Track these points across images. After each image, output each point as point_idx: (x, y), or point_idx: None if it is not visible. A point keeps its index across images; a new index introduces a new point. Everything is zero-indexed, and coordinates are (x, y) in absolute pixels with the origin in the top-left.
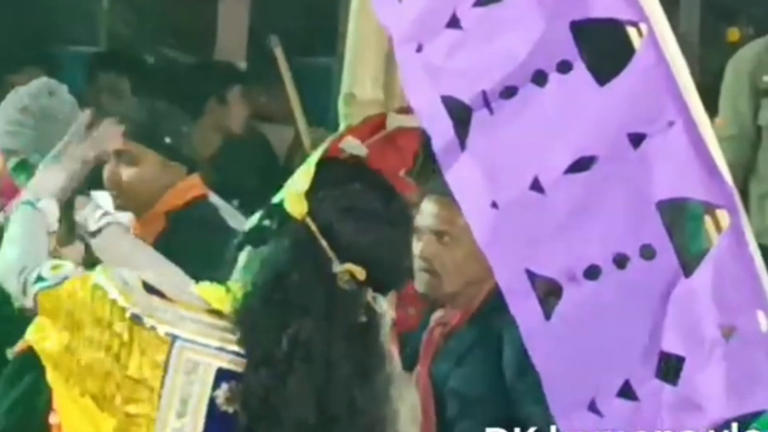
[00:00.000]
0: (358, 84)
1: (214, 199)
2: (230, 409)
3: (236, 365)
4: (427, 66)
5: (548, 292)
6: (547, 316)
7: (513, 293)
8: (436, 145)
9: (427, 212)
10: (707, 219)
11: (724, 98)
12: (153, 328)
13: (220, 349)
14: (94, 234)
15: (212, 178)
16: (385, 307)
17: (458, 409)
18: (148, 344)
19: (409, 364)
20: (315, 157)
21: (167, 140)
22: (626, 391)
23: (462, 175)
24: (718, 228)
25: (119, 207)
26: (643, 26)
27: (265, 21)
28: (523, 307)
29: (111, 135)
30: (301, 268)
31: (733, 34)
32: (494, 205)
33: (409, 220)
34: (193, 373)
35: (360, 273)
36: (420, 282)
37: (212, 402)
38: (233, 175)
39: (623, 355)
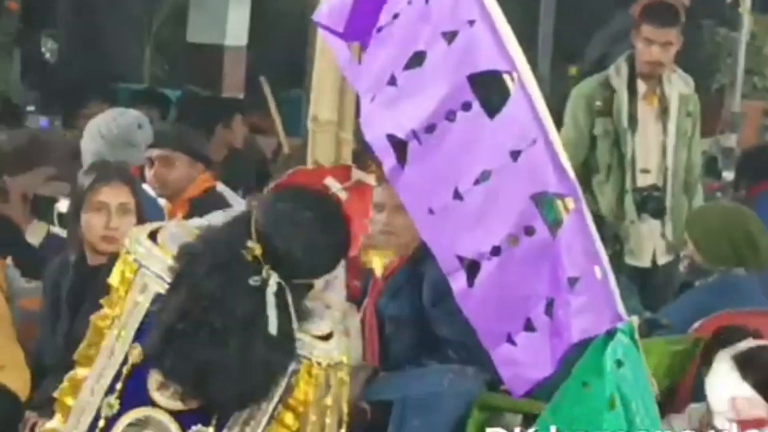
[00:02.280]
0: (320, 109)
1: (221, 187)
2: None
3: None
4: (376, 111)
5: (471, 266)
6: (471, 284)
7: (449, 271)
8: (386, 168)
9: (387, 193)
10: (559, 203)
11: (568, 116)
12: (133, 257)
13: (161, 278)
14: None
15: (222, 174)
16: (273, 279)
17: (393, 329)
18: (127, 266)
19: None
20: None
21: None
22: (529, 326)
23: (405, 190)
24: (567, 210)
25: (159, 196)
26: (514, 74)
27: (256, 66)
28: (456, 279)
29: None
30: (228, 237)
31: (573, 70)
32: (431, 211)
33: (338, 245)
34: (143, 292)
35: (258, 249)
36: (381, 240)
37: (147, 315)
38: (237, 172)
39: (523, 302)
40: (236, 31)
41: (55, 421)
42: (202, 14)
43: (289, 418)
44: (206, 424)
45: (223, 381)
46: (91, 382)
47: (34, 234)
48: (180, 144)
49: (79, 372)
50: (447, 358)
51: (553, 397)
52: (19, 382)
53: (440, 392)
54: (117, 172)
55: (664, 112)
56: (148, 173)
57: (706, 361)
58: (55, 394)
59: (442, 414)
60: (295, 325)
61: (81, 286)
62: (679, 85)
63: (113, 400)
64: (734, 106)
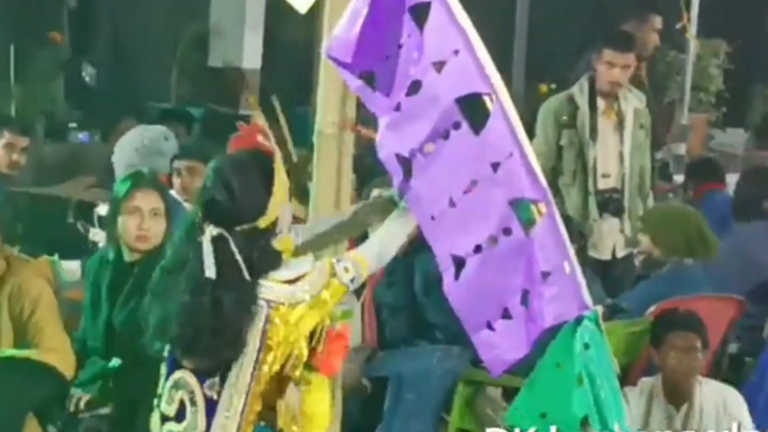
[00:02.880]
0: (324, 124)
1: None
2: None
3: None
4: (385, 134)
5: (458, 263)
6: (457, 278)
7: (444, 268)
8: (395, 182)
9: None
10: (533, 207)
11: (538, 128)
12: None
13: None
14: None
15: None
16: (209, 230)
17: (389, 314)
18: None
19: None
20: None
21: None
22: (506, 314)
23: (413, 201)
24: (540, 213)
25: (185, 201)
26: (493, 96)
27: (269, 86)
28: (447, 274)
29: None
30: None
31: (543, 88)
32: (432, 217)
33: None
34: None
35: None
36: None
37: None
38: None
39: (502, 293)
40: (251, 56)
41: None
42: (221, 41)
43: (271, 357)
44: (214, 376)
45: (196, 335)
46: None
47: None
48: (203, 155)
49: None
50: (436, 340)
51: (530, 375)
52: (66, 364)
53: (430, 369)
54: (149, 181)
55: (620, 124)
56: (176, 181)
57: (654, 342)
58: None
59: (432, 388)
60: (242, 266)
61: (118, 280)
62: (633, 102)
63: (163, 368)
64: (683, 118)
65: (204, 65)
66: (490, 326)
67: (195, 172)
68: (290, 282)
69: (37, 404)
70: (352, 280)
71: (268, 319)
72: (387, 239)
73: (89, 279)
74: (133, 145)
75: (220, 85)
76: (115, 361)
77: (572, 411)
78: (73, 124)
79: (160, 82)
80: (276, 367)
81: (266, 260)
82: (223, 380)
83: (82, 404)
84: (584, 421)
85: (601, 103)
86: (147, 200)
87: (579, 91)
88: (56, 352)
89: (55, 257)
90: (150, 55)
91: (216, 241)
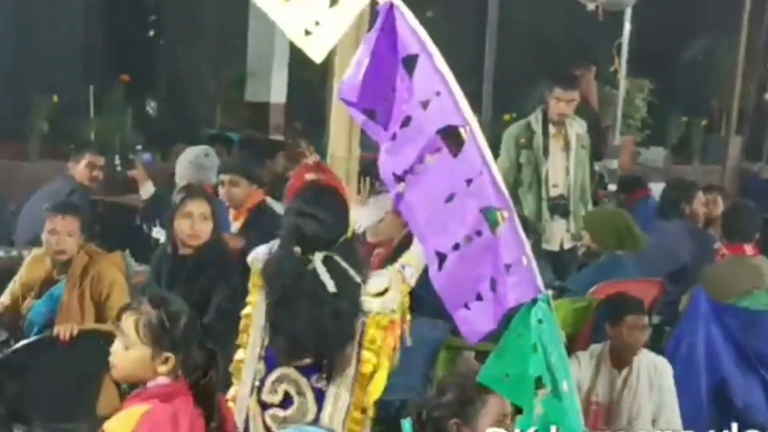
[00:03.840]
0: (335, 148)
1: (269, 200)
2: None
3: None
4: (385, 158)
5: (441, 257)
6: (440, 268)
7: (429, 260)
8: (392, 195)
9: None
10: (498, 214)
11: (502, 150)
12: (253, 268)
13: None
14: None
15: (270, 192)
16: (317, 256)
17: None
18: (254, 275)
19: None
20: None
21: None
22: (479, 297)
23: (406, 209)
24: (503, 218)
25: (229, 207)
26: (467, 127)
27: (293, 116)
28: (432, 265)
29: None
30: (284, 251)
31: (506, 117)
32: (420, 222)
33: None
34: (260, 294)
35: (299, 249)
36: (373, 235)
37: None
38: (280, 189)
39: (476, 281)
40: (278, 92)
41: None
42: (254, 81)
43: (368, 356)
44: (320, 371)
45: (312, 339)
46: (247, 356)
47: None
48: (241, 171)
49: (239, 353)
50: (426, 314)
51: (498, 344)
52: None
53: (421, 337)
54: (198, 191)
55: (567, 146)
56: (221, 191)
57: (611, 321)
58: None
59: (422, 351)
60: (354, 275)
61: (175, 269)
62: (576, 128)
63: (261, 365)
64: (615, 140)
65: (241, 100)
66: (466, 306)
67: (235, 183)
68: (380, 294)
69: None
70: (413, 278)
71: (365, 324)
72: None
73: (152, 268)
74: (186, 159)
75: (254, 116)
76: None
77: (529, 373)
78: (139, 147)
79: (207, 113)
80: (372, 365)
81: (362, 263)
82: (328, 376)
83: None
84: (538, 380)
85: (551, 129)
86: (197, 207)
87: (535, 119)
88: None
89: (127, 252)
90: (199, 91)
91: (328, 262)
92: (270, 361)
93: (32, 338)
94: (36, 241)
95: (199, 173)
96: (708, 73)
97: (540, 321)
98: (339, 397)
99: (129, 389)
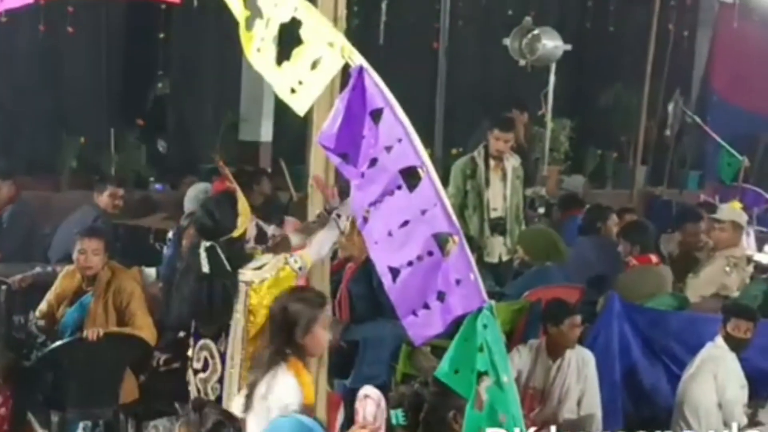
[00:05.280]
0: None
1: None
2: None
3: None
4: (355, 194)
5: (395, 271)
6: (394, 281)
7: (384, 274)
8: (358, 223)
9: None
10: (449, 238)
11: (451, 179)
12: None
13: None
14: None
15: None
16: (203, 243)
17: (357, 300)
18: None
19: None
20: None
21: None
22: (426, 306)
23: (367, 233)
24: (454, 242)
25: None
26: (423, 167)
27: (278, 151)
28: (386, 278)
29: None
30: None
31: (454, 152)
32: (375, 242)
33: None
34: None
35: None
36: (342, 251)
37: None
38: (267, 211)
39: (424, 293)
40: (266, 132)
41: None
42: (246, 124)
43: (253, 319)
44: (221, 336)
45: (192, 306)
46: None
47: None
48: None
49: None
50: (388, 316)
51: (450, 345)
52: (150, 336)
53: (384, 335)
54: None
55: (504, 176)
56: None
57: (552, 322)
58: None
59: (385, 348)
60: (225, 263)
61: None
62: (512, 162)
63: (190, 340)
64: (544, 170)
65: (236, 139)
66: (414, 313)
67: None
68: (258, 269)
69: (132, 361)
70: (300, 268)
71: (246, 294)
72: (321, 242)
73: (164, 280)
74: (191, 195)
75: (246, 152)
76: (182, 333)
77: (475, 369)
78: (152, 179)
79: (208, 150)
80: (258, 327)
81: (241, 258)
82: (226, 337)
83: (161, 361)
84: (483, 374)
85: (492, 162)
86: None
87: (478, 154)
88: (143, 328)
89: (143, 267)
90: (202, 133)
91: (208, 249)
92: (196, 336)
93: (66, 339)
94: (68, 259)
95: None
96: (618, 113)
97: (485, 326)
98: (234, 355)
99: (146, 380)
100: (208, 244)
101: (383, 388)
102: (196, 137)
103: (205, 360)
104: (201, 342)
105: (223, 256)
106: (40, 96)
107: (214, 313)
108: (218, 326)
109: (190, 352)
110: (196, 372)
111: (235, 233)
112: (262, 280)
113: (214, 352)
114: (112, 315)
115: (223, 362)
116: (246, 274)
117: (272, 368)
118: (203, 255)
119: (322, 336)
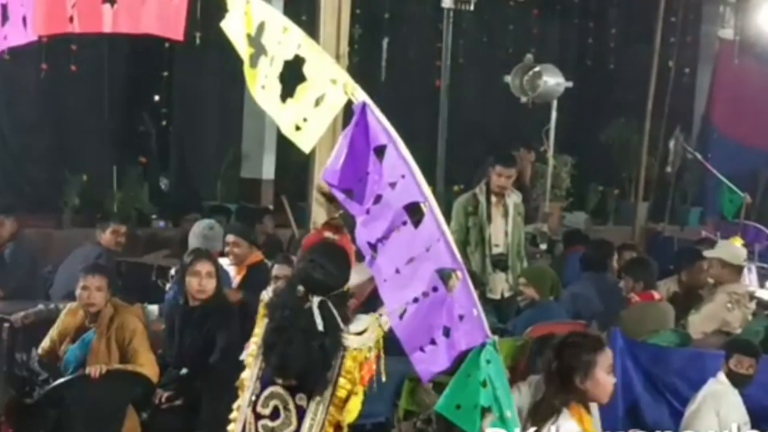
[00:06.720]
0: (316, 217)
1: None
2: None
3: None
4: (361, 230)
5: (402, 310)
6: (401, 318)
7: (391, 313)
8: (366, 260)
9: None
10: (453, 274)
11: (453, 215)
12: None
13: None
14: None
15: (263, 250)
16: (315, 298)
17: None
18: (263, 310)
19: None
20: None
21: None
22: (433, 341)
23: (376, 271)
24: (458, 278)
25: (232, 264)
26: (426, 203)
27: (280, 189)
28: (394, 316)
29: None
30: (288, 289)
31: (456, 189)
32: (385, 280)
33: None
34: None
35: (302, 289)
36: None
37: None
38: (270, 249)
39: (430, 329)
40: (267, 170)
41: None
42: (248, 161)
43: (343, 382)
44: (303, 392)
45: (299, 364)
46: (248, 376)
47: None
48: (241, 234)
49: (245, 372)
50: (392, 352)
51: (452, 381)
52: (153, 373)
53: (389, 370)
54: (204, 254)
55: (506, 213)
56: (228, 251)
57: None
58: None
59: (390, 383)
60: (339, 321)
61: (185, 318)
62: (514, 198)
63: (257, 383)
64: (546, 207)
65: (238, 176)
66: (422, 350)
67: (237, 244)
68: (359, 334)
69: (134, 398)
70: (386, 324)
71: (344, 357)
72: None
73: (167, 317)
74: (196, 231)
75: (248, 190)
76: (184, 371)
77: (479, 404)
78: (154, 216)
79: (210, 187)
80: (347, 390)
81: (346, 314)
82: (308, 396)
83: (163, 398)
84: (486, 410)
85: (493, 198)
86: (203, 267)
87: (479, 191)
88: (146, 365)
89: (145, 304)
90: (204, 170)
91: (320, 305)
92: (265, 381)
93: (68, 376)
94: (70, 296)
95: (206, 243)
96: (619, 150)
97: (488, 361)
98: (316, 414)
99: (149, 417)
100: (318, 299)
101: (386, 425)
102: (198, 174)
103: (275, 408)
104: (272, 389)
105: (335, 312)
106: (42, 133)
107: (314, 368)
108: (306, 382)
109: (248, 393)
110: (259, 416)
111: (346, 287)
112: (363, 347)
113: (290, 405)
114: (115, 352)
115: (299, 417)
116: (351, 339)
117: (554, 416)
118: (316, 311)
119: (605, 380)
